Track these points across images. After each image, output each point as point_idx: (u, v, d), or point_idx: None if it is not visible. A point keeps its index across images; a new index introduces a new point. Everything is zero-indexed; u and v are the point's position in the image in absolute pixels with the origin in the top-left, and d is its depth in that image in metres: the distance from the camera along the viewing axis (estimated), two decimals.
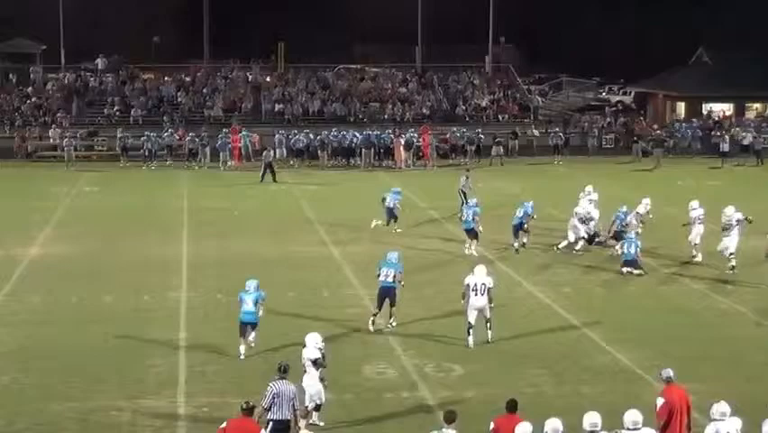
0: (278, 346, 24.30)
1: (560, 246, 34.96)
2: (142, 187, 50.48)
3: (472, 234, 34.57)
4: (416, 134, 59.64)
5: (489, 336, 24.62)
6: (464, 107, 69.84)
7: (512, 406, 16.19)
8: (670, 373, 17.28)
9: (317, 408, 19.40)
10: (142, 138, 58.48)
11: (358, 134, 59.74)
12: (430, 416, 19.80)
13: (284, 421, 17.41)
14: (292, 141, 58.55)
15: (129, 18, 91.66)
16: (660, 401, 16.85)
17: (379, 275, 25.69)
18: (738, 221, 32.54)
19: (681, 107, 78.50)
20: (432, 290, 28.83)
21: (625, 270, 31.81)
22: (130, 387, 21.67)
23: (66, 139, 58.23)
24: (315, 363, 19.31)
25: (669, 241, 35.28)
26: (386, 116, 67.44)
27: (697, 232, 33.52)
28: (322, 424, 19.53)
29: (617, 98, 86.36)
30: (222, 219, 41.21)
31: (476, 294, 24.37)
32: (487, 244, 35.21)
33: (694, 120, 70.69)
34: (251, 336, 23.75)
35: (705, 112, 75.79)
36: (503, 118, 69.12)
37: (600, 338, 25.39)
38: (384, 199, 38.38)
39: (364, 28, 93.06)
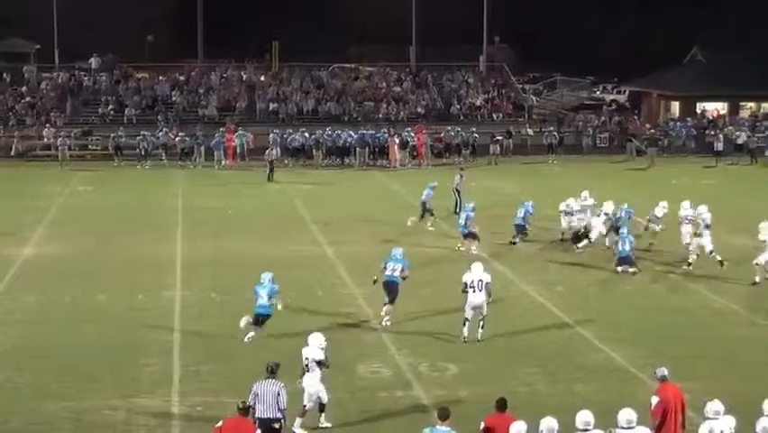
0: (272, 346, 24.32)
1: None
2: (137, 186, 50.44)
3: (470, 236, 34.74)
4: (411, 133, 59.63)
5: (480, 335, 24.68)
6: (459, 106, 69.82)
7: (501, 405, 16.18)
8: (664, 371, 17.30)
9: (322, 408, 19.36)
10: (138, 137, 58.43)
11: (353, 134, 59.74)
12: (424, 415, 19.79)
13: (266, 420, 17.32)
14: (288, 140, 58.53)
15: (123, 17, 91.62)
16: (654, 400, 16.86)
17: (384, 269, 26.05)
18: (707, 225, 32.73)
19: (676, 106, 78.55)
20: (427, 289, 28.82)
21: (619, 268, 31.84)
22: (124, 386, 21.66)
23: (60, 138, 58.16)
24: (319, 363, 19.32)
25: (663, 240, 35.26)
26: (380, 116, 67.41)
27: (686, 231, 33.54)
28: (329, 425, 19.49)
29: (612, 97, 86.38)
30: (216, 218, 41.20)
31: (474, 291, 24.54)
32: (482, 243, 35.19)
33: (688, 119, 70.78)
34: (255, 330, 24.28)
35: (699, 111, 75.86)
36: (497, 117, 69.12)
37: (594, 337, 25.41)
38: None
39: (359, 27, 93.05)
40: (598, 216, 35.32)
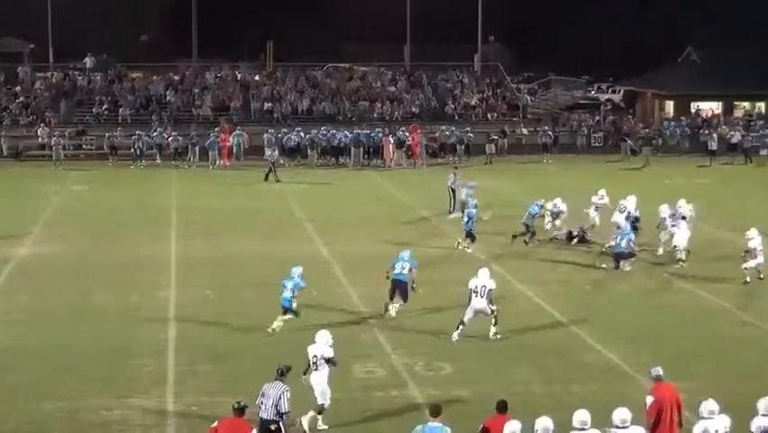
0: (267, 345, 24.36)
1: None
2: (131, 186, 50.42)
3: (469, 236, 34.87)
4: (406, 133, 59.64)
5: (492, 332, 24.91)
6: (453, 106, 69.81)
7: (502, 407, 16.17)
8: (659, 371, 17.32)
9: (320, 411, 19.34)
10: (133, 137, 58.41)
11: (348, 133, 59.74)
12: (419, 414, 19.78)
13: (265, 421, 17.36)
14: (284, 139, 58.49)
15: (117, 17, 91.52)
16: (649, 400, 16.88)
17: (393, 269, 26.57)
18: (684, 216, 33.15)
19: (670, 106, 78.67)
20: (421, 289, 28.76)
21: (621, 263, 31.90)
22: (119, 386, 21.64)
23: (54, 138, 58.10)
24: (328, 361, 19.40)
25: (656, 239, 35.27)
26: (375, 115, 67.40)
27: (669, 233, 33.64)
28: (326, 427, 19.48)
29: (606, 97, 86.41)
30: (210, 218, 41.18)
31: (476, 296, 24.70)
32: (479, 242, 35.22)
33: (683, 118, 70.86)
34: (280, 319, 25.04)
35: (693, 110, 75.95)
36: (492, 117, 69.11)
37: (590, 336, 25.42)
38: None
39: (353, 27, 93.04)
40: (622, 212, 35.18)
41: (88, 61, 72.80)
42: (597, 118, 71.05)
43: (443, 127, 62.68)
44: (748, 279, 30.18)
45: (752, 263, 30.23)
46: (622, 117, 71.95)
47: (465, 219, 35.18)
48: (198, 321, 26.66)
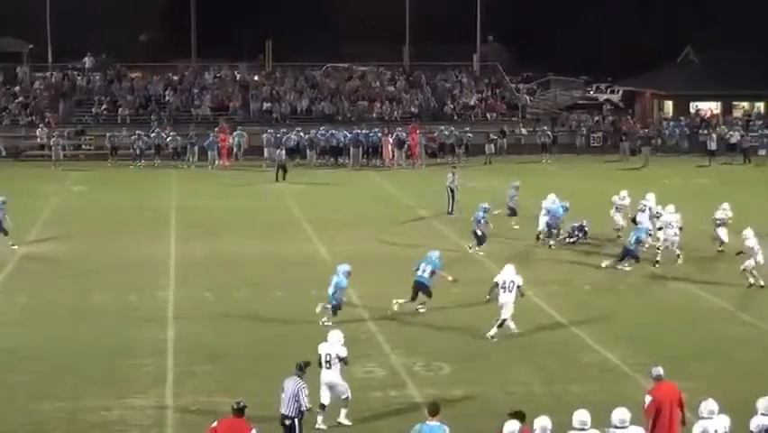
0: (266, 345, 24.39)
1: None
2: (130, 186, 50.40)
3: (474, 235, 34.75)
4: (403, 133, 59.61)
5: (492, 333, 25.10)
6: (452, 106, 69.79)
7: (520, 416, 15.68)
8: (660, 370, 17.33)
9: (323, 407, 19.53)
10: (133, 137, 58.42)
11: (347, 133, 59.73)
12: (418, 414, 19.78)
13: (284, 416, 17.79)
14: (283, 139, 58.45)
15: (116, 17, 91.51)
16: (648, 399, 16.91)
17: (417, 270, 26.98)
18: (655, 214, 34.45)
19: (669, 106, 78.66)
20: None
21: (621, 262, 32.10)
22: (118, 386, 21.65)
23: (53, 138, 58.08)
24: (341, 360, 19.65)
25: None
26: (374, 115, 67.38)
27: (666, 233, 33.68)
28: (324, 427, 19.54)
29: (605, 97, 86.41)
30: (210, 218, 41.18)
31: (504, 291, 25.14)
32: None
33: (682, 118, 70.88)
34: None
35: (692, 110, 75.97)
36: (491, 117, 69.08)
37: (589, 337, 25.43)
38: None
39: (352, 27, 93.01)
40: (643, 211, 35.20)
41: (87, 61, 72.78)
42: (596, 118, 71.04)
43: (442, 127, 62.68)
44: (752, 280, 29.97)
45: (749, 264, 30.13)
46: (621, 117, 71.94)
47: (473, 220, 34.90)
48: (197, 321, 26.67)
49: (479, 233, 34.58)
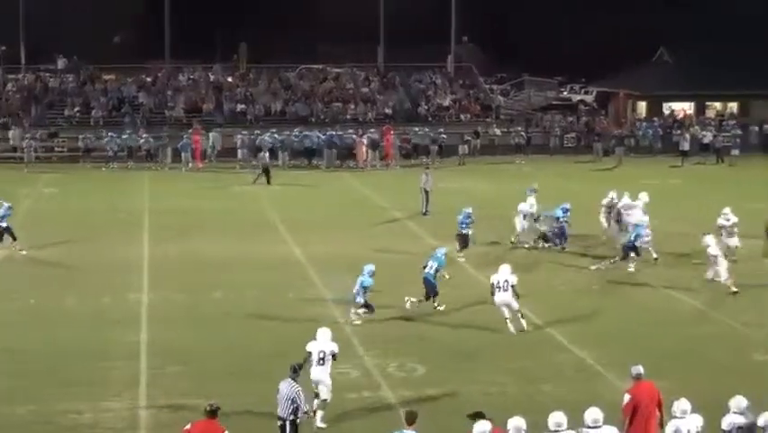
0: (240, 347, 24.34)
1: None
2: (103, 188, 50.20)
3: (459, 238, 34.23)
4: (377, 134, 59.59)
5: (524, 325, 25.78)
6: (426, 107, 69.81)
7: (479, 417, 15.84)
8: (640, 369, 17.37)
9: (324, 406, 19.75)
10: (106, 139, 58.19)
11: (321, 135, 59.66)
12: (392, 416, 19.81)
13: (279, 418, 17.92)
14: (257, 141, 58.32)
15: (89, 18, 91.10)
16: (626, 398, 16.96)
17: (425, 267, 27.41)
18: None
19: (643, 106, 78.93)
20: (396, 291, 28.78)
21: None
22: (91, 389, 21.55)
23: (26, 140, 57.79)
24: (334, 356, 19.90)
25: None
26: (348, 117, 67.31)
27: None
28: (324, 426, 19.71)
29: (579, 97, 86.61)
30: (183, 220, 41.04)
31: (500, 290, 25.61)
32: (453, 243, 35.22)
33: (655, 119, 71.11)
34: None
35: (668, 111, 76.25)
36: (465, 118, 69.11)
37: (563, 337, 25.47)
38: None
39: (326, 29, 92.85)
40: (633, 208, 34.99)
41: (60, 63, 72.46)
42: (570, 119, 71.17)
43: (416, 128, 62.66)
44: (734, 289, 29.54)
45: (710, 274, 29.81)
46: (595, 118, 72.12)
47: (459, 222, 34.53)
48: (171, 323, 26.58)
49: (466, 234, 34.09)
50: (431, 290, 27.23)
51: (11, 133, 60.62)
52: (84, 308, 28.05)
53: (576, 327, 26.31)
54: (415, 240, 37.04)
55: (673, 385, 19.22)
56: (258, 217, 41.99)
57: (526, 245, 35.54)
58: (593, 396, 19.28)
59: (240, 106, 67.29)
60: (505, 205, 38.81)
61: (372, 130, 60.58)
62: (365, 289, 26.11)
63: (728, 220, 33.68)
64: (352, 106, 68.42)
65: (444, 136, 60.90)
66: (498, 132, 66.10)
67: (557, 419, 15.31)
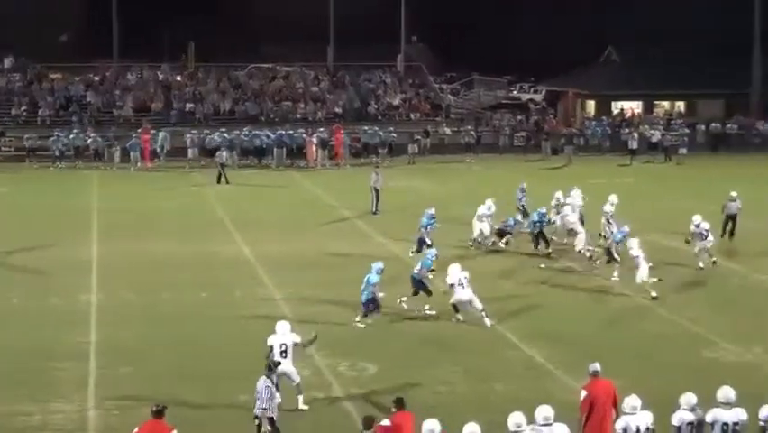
0: (191, 346, 24.23)
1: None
2: (50, 188, 49.79)
3: (418, 242, 33.41)
4: (325, 133, 59.49)
5: (488, 324, 26.05)
6: (376, 106, 69.86)
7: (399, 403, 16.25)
8: (596, 367, 17.43)
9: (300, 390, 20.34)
10: (51, 138, 57.70)
11: (270, 134, 59.50)
12: (343, 415, 19.81)
13: (255, 416, 18.29)
14: (206, 140, 58.08)
15: (36, 17, 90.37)
16: (583, 394, 17.02)
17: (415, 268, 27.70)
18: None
19: (591, 105, 79.40)
20: (346, 290, 28.74)
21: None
22: (39, 391, 21.35)
23: None
24: (297, 345, 20.26)
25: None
26: (298, 116, 67.20)
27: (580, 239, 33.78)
28: (306, 408, 20.22)
29: (528, 96, 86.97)
30: (132, 220, 40.80)
31: (462, 287, 26.05)
32: (403, 242, 35.24)
33: (604, 118, 71.58)
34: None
35: (615, 110, 76.76)
36: (415, 117, 69.23)
37: (513, 335, 25.53)
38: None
39: (276, 28, 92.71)
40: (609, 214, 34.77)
41: (7, 62, 71.76)
42: (519, 118, 71.47)
43: (366, 127, 62.64)
44: (654, 293, 29.12)
45: (639, 278, 29.81)
46: (544, 117, 72.46)
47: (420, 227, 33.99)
48: (120, 324, 26.40)
49: (425, 239, 33.14)
50: (421, 290, 27.20)
51: None
52: (32, 309, 27.79)
53: (525, 325, 26.38)
54: (364, 239, 37.04)
55: (623, 382, 19.30)
56: (207, 217, 41.81)
57: (484, 248, 35.24)
58: (544, 394, 19.38)
59: (189, 106, 67.02)
60: (455, 204, 38.84)
61: (322, 129, 60.52)
62: (372, 285, 25.83)
63: (698, 226, 33.18)
64: (302, 106, 68.35)
65: (394, 135, 60.92)
66: (447, 131, 66.26)
67: (516, 419, 15.28)
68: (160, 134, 58.76)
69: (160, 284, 30.29)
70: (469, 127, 65.17)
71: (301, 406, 20.18)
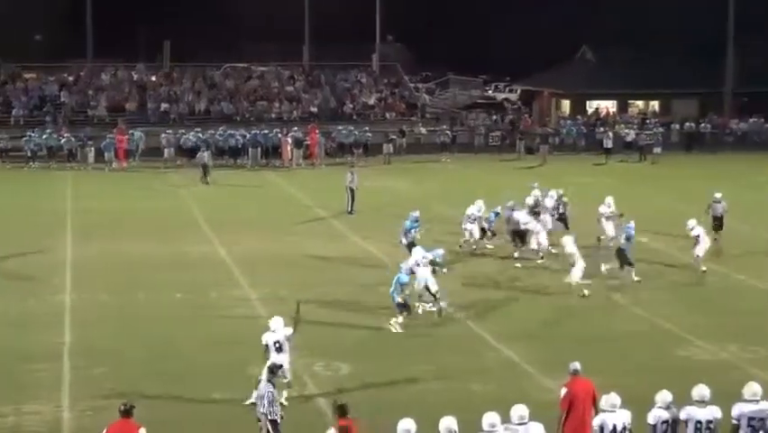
0: (164, 347, 24.17)
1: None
2: (24, 188, 49.53)
3: (409, 247, 31.83)
4: (300, 133, 59.40)
5: (443, 306, 26.60)
6: (352, 106, 69.83)
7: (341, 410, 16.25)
8: (577, 366, 17.46)
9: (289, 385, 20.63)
10: (24, 138, 57.43)
11: (245, 133, 59.40)
12: (316, 413, 19.81)
13: (258, 418, 18.27)
14: (181, 140, 57.93)
15: (9, 16, 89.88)
16: (563, 391, 17.06)
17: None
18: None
19: (566, 105, 79.59)
20: (321, 290, 28.76)
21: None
22: (13, 392, 21.25)
23: None
24: (289, 338, 20.50)
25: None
26: (273, 115, 67.13)
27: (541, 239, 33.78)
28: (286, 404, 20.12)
29: (504, 96, 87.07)
30: (107, 220, 40.64)
31: (419, 267, 26.47)
32: (379, 242, 35.22)
33: (579, 117, 71.79)
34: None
35: (590, 109, 76.97)
36: (390, 116, 69.25)
37: (488, 335, 25.55)
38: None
39: (251, 27, 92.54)
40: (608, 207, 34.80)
41: None
42: (494, 117, 71.59)
43: (341, 127, 62.59)
44: (586, 292, 29.28)
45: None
46: (519, 116, 72.60)
47: (401, 235, 32.93)
48: (95, 325, 26.32)
49: (404, 242, 32.16)
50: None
51: None
52: (6, 310, 27.65)
53: (501, 325, 26.41)
54: (340, 238, 37.03)
55: (599, 381, 19.31)
56: (182, 217, 41.69)
57: (474, 247, 34.77)
58: (520, 393, 19.39)
59: (164, 105, 66.82)
60: (431, 203, 38.84)
61: (296, 129, 60.44)
62: (402, 286, 25.65)
63: (609, 207, 34.60)
64: (277, 105, 68.28)
65: (370, 135, 60.91)
66: (423, 130, 66.29)
67: (491, 419, 15.28)
68: (135, 134, 58.58)
69: (134, 285, 30.20)
70: (444, 127, 65.25)
71: (282, 400, 20.11)
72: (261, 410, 18.01)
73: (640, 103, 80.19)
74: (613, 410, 15.96)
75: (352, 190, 41.99)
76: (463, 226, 34.77)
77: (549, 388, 21.08)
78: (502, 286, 30.67)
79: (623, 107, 78.19)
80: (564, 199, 36.81)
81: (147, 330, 25.81)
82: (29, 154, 56.70)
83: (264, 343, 20.32)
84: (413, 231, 32.50)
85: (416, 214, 33.10)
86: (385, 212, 39.65)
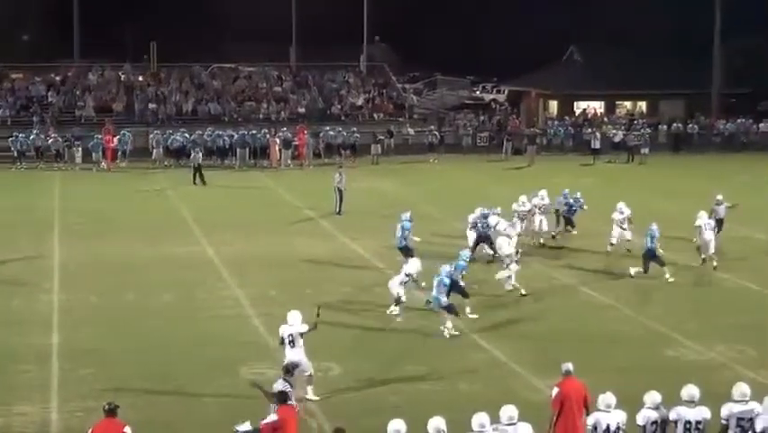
0: (152, 348, 24.12)
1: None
2: (11, 188, 49.44)
3: (405, 251, 31.41)
4: (289, 133, 59.37)
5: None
6: (339, 106, 69.80)
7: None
8: (569, 366, 17.46)
9: (310, 381, 20.74)
10: (10, 138, 57.29)
11: (233, 134, 59.36)
12: (307, 413, 19.77)
13: None
14: (169, 141, 57.86)
15: None
16: (555, 391, 17.07)
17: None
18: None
19: (554, 105, 79.66)
20: (310, 290, 28.75)
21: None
22: (1, 393, 21.19)
23: None
24: (303, 335, 20.65)
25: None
26: (261, 116, 67.07)
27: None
28: (318, 398, 20.57)
29: (491, 97, 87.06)
30: (95, 221, 40.59)
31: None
32: (367, 242, 35.20)
33: (566, 118, 71.88)
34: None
35: (577, 110, 77.06)
36: (378, 117, 69.24)
37: (478, 335, 25.55)
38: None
39: (239, 28, 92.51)
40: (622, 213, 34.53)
41: None
42: (482, 118, 71.62)
43: (328, 127, 62.55)
44: (519, 290, 29.34)
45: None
46: (507, 117, 72.66)
47: (398, 234, 32.08)
48: (83, 325, 26.25)
49: (402, 245, 31.81)
50: (458, 293, 26.61)
51: None
52: None
53: (490, 326, 26.40)
54: (329, 239, 37.02)
55: (587, 381, 19.36)
56: (171, 218, 41.65)
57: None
58: (508, 393, 19.41)
59: (151, 106, 66.71)
60: (419, 203, 38.84)
61: (284, 129, 60.42)
62: (446, 287, 25.58)
63: (622, 213, 34.33)
64: (265, 106, 68.21)
65: (358, 135, 60.93)
66: (411, 131, 66.33)
67: (480, 420, 15.27)
68: (123, 135, 58.46)
69: (122, 285, 30.14)
70: (432, 127, 65.28)
71: (311, 396, 20.55)
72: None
73: (628, 104, 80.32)
74: (608, 410, 15.98)
75: (340, 191, 41.99)
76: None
77: (537, 388, 21.12)
78: (488, 286, 30.65)
79: (610, 108, 78.31)
80: (579, 197, 36.86)
81: (136, 331, 25.77)
82: (16, 155, 56.59)
83: (281, 336, 20.58)
84: (407, 233, 32.07)
85: (408, 214, 32.67)
86: (373, 213, 39.65)
